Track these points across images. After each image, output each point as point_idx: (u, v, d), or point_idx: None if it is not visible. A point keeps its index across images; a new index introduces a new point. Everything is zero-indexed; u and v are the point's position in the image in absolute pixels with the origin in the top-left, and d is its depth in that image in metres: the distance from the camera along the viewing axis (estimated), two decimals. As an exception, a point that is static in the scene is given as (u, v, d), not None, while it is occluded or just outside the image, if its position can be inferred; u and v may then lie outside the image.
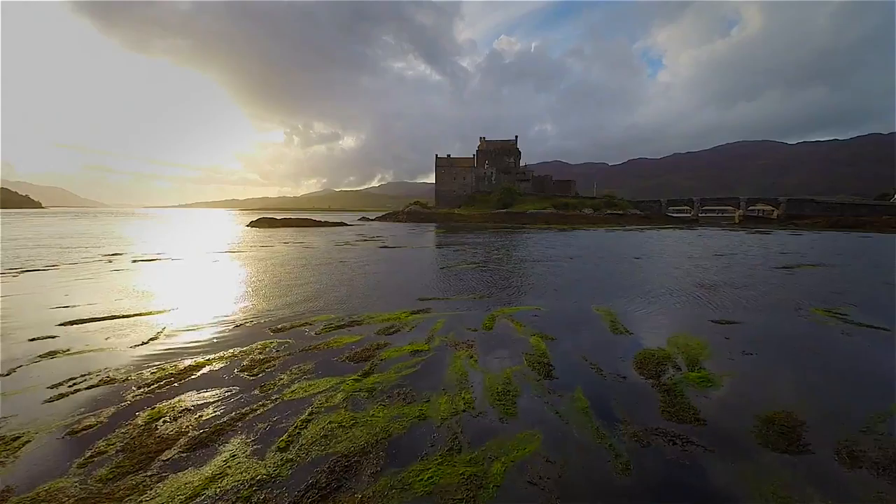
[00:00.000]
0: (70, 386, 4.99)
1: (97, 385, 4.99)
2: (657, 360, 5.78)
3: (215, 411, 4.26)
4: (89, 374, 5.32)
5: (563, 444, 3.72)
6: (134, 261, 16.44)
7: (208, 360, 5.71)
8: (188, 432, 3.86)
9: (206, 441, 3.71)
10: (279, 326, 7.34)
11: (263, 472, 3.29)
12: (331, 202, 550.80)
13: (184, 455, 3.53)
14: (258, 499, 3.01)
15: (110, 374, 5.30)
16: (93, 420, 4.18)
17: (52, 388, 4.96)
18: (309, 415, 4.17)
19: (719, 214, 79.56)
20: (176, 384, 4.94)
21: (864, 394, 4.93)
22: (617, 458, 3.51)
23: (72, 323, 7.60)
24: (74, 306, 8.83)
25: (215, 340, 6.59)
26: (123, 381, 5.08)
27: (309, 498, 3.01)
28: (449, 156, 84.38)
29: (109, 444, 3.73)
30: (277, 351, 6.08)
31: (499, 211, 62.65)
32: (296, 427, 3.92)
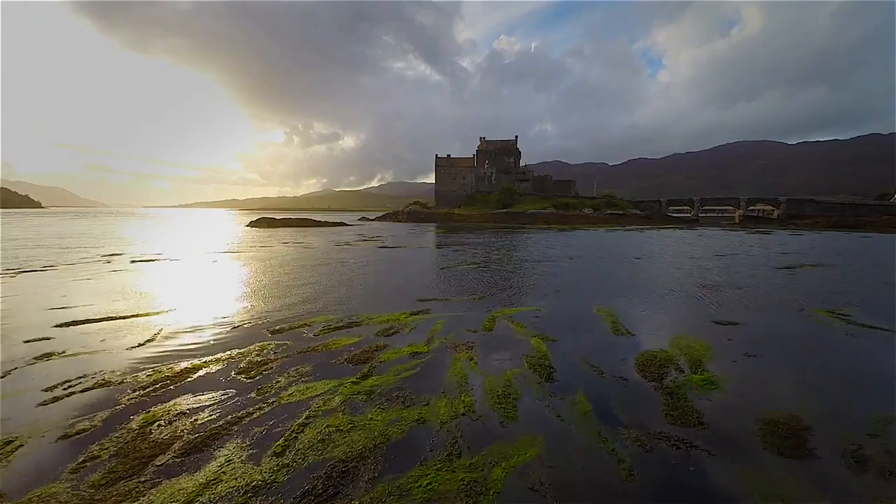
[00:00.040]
0: (65, 389, 4.93)
1: (92, 388, 4.92)
2: (659, 361, 5.72)
3: (211, 415, 4.19)
4: (84, 376, 5.25)
5: (564, 449, 3.65)
6: (132, 261, 16.37)
7: (205, 362, 5.64)
8: (183, 436, 3.79)
9: (201, 446, 3.64)
10: (277, 328, 7.28)
11: (259, 478, 3.22)
12: (331, 202, 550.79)
13: (178, 460, 3.46)
14: (253, 506, 2.95)
15: (106, 376, 5.24)
16: (87, 424, 4.11)
17: (46, 390, 4.90)
18: (306, 418, 4.10)
19: (719, 214, 79.50)
20: (171, 387, 4.87)
21: (868, 396, 4.87)
22: (620, 464, 3.45)
23: (68, 324, 7.53)
24: (71, 307, 8.76)
25: (212, 342, 6.53)
26: (119, 383, 5.01)
27: (305, 505, 2.95)
28: (449, 156, 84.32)
29: (103, 449, 3.67)
30: (275, 353, 6.02)
31: (499, 211, 62.58)
32: (292, 431, 3.86)
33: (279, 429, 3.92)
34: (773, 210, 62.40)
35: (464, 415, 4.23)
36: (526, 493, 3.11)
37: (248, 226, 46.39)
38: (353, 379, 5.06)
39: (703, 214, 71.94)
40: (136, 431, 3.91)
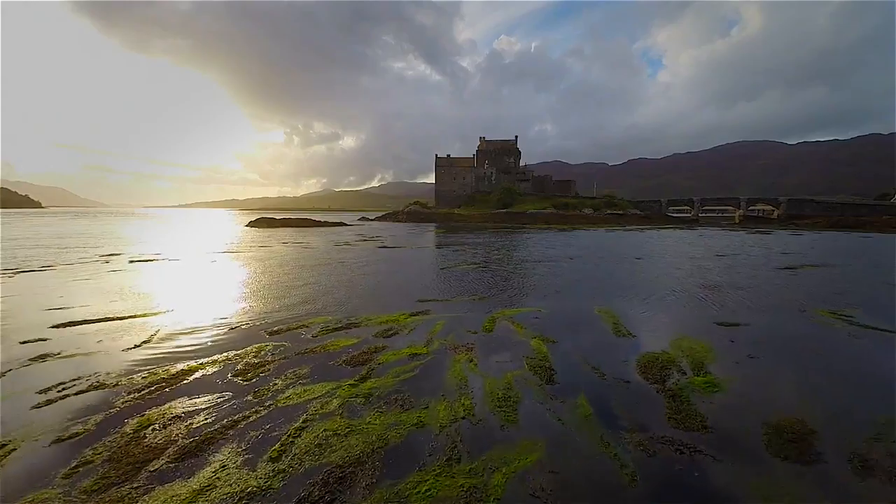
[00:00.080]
0: (59, 391, 4.86)
1: (87, 390, 4.86)
2: (661, 363, 5.65)
3: (206, 418, 4.12)
4: (79, 378, 5.19)
5: (566, 454, 3.59)
6: (131, 261, 16.30)
7: (201, 363, 5.58)
8: (177, 441, 3.72)
9: (196, 450, 3.57)
10: (275, 329, 7.21)
11: (254, 483, 3.16)
12: (331, 202, 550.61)
13: (172, 465, 3.39)
14: (248, 513, 2.88)
15: (101, 378, 5.17)
16: (80, 427, 4.05)
17: (41, 393, 4.84)
18: (303, 422, 4.03)
19: (719, 214, 79.44)
20: (167, 389, 4.81)
21: (872, 398, 4.81)
22: (623, 469, 3.38)
23: (65, 325, 7.46)
24: (68, 308, 8.70)
25: (210, 343, 6.46)
26: (114, 385, 4.95)
27: (301, 512, 2.88)
28: (449, 156, 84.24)
29: (96, 454, 3.61)
30: (273, 354, 5.95)
31: (499, 211, 62.51)
32: (289, 435, 3.79)
33: (275, 433, 3.85)
34: (774, 210, 62.35)
35: (463, 418, 4.17)
36: (527, 499, 3.04)
37: (247, 226, 46.32)
38: (352, 381, 5.00)
39: (703, 214, 71.89)
40: (130, 435, 3.84)
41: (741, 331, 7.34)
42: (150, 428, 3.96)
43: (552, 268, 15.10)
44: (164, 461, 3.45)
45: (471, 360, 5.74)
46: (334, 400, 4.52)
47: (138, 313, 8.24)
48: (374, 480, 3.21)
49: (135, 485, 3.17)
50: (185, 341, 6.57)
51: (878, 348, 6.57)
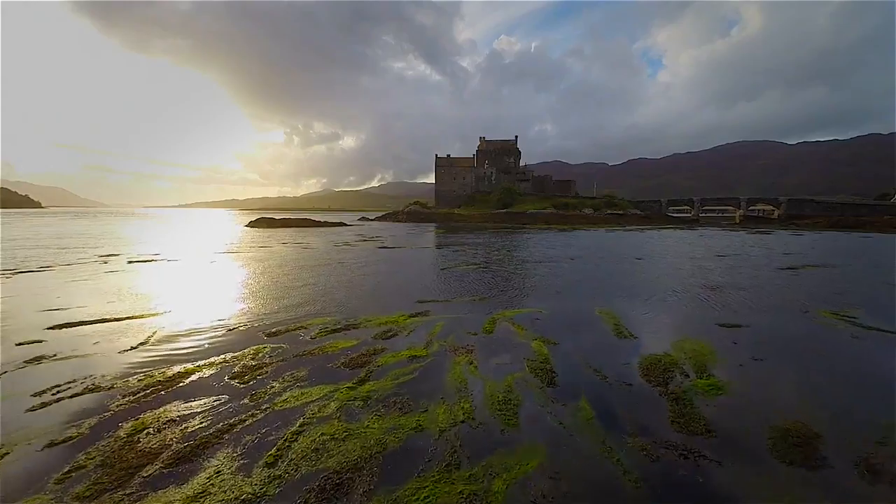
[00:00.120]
0: (54, 394, 4.80)
1: (82, 393, 4.79)
2: (664, 365, 5.58)
3: (202, 422, 4.05)
4: (74, 381, 5.12)
5: (568, 459, 3.52)
6: (129, 262, 16.24)
7: (198, 366, 5.51)
8: (172, 445, 3.66)
9: (190, 455, 3.50)
10: (274, 330, 7.14)
11: (249, 490, 3.09)
12: (331, 202, 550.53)
13: (165, 471, 3.33)
14: (242, 520, 2.82)
15: (96, 381, 5.10)
16: (74, 431, 3.98)
17: (35, 395, 4.77)
18: (300, 426, 3.96)
19: (719, 214, 79.38)
20: (162, 392, 4.74)
21: (876, 400, 4.74)
22: (626, 475, 3.31)
23: (61, 326, 7.40)
24: (65, 309, 8.63)
25: (207, 345, 6.39)
26: (108, 388, 4.88)
27: (297, 520, 2.82)
28: (449, 156, 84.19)
29: (89, 458, 3.54)
30: (270, 356, 5.88)
31: (499, 211, 62.45)
32: (285, 440, 3.72)
33: (272, 437, 3.78)
34: (774, 210, 62.29)
35: (463, 422, 4.10)
36: (528, 506, 2.98)
37: (247, 226, 46.24)
38: (350, 384, 4.93)
39: (704, 214, 71.84)
40: (124, 440, 3.78)
41: (743, 332, 7.27)
42: (145, 432, 3.89)
43: (552, 268, 15.03)
44: (157, 466, 3.39)
45: (471, 363, 5.67)
46: (332, 403, 4.45)
47: (135, 314, 8.17)
48: (372, 487, 3.14)
49: (127, 491, 3.11)
50: (183, 343, 6.50)
51: (880, 350, 6.50)
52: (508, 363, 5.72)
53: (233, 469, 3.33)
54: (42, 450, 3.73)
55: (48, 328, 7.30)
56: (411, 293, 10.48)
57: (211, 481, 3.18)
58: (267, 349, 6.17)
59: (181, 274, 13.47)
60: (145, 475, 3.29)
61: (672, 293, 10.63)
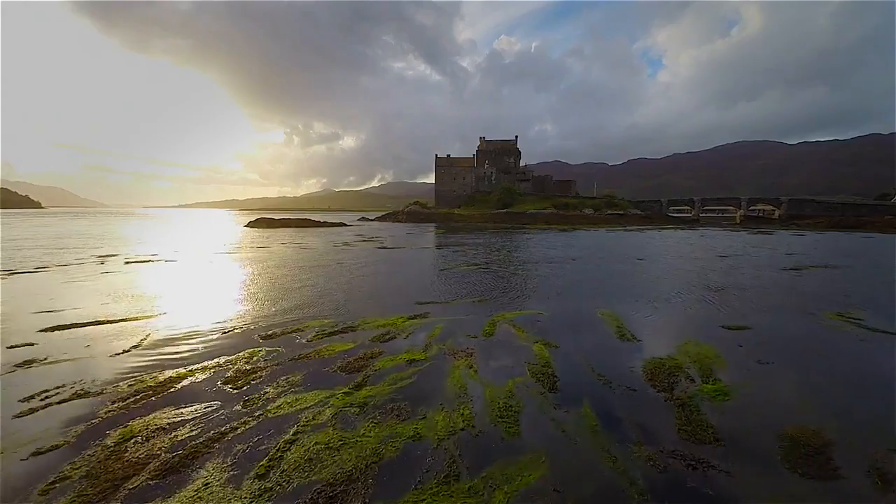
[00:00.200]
0: (42, 399, 4.66)
1: (70, 399, 4.65)
2: (668, 369, 5.44)
3: (192, 430, 3.91)
4: (64, 386, 4.98)
5: (571, 470, 3.37)
6: (127, 262, 16.10)
7: (191, 370, 5.36)
8: (160, 455, 3.52)
9: (178, 466, 3.36)
10: (269, 333, 7.00)
11: (238, 504, 2.95)
12: (331, 202, 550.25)
13: (152, 483, 3.19)
14: (230, 537, 2.68)
15: (86, 386, 4.96)
16: (61, 439, 3.85)
17: (23, 401, 4.64)
18: (293, 434, 3.82)
19: (720, 214, 79.23)
20: (153, 398, 4.60)
21: (885, 405, 4.61)
22: (632, 486, 3.17)
23: (54, 329, 7.26)
24: (59, 311, 8.49)
25: (201, 348, 6.25)
26: (98, 394, 4.74)
27: (287, 536, 2.68)
28: (449, 156, 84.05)
29: (74, 469, 3.41)
30: (265, 360, 5.74)
31: (499, 211, 62.31)
32: (278, 449, 3.58)
33: (264, 446, 3.64)
34: (774, 210, 62.16)
35: (463, 430, 3.96)
36: (530, 521, 2.84)
37: (246, 226, 46.09)
38: (346, 389, 4.79)
39: (704, 214, 71.70)
40: (111, 449, 3.64)
41: (749, 334, 7.13)
42: (133, 441, 3.75)
43: (553, 269, 14.89)
44: (144, 478, 3.25)
45: (470, 367, 5.53)
46: (327, 410, 4.31)
47: (129, 316, 8.03)
48: (367, 500, 3.00)
49: (111, 504, 2.97)
50: (176, 346, 6.36)
51: (888, 353, 6.36)
52: (509, 367, 5.58)
53: (222, 481, 3.19)
54: (28, 458, 3.60)
55: (40, 330, 7.17)
56: (410, 294, 10.34)
57: (199, 494, 3.04)
58: (262, 352, 6.03)
59: (178, 275, 13.33)
60: (131, 487, 3.15)
61: (675, 294, 10.49)
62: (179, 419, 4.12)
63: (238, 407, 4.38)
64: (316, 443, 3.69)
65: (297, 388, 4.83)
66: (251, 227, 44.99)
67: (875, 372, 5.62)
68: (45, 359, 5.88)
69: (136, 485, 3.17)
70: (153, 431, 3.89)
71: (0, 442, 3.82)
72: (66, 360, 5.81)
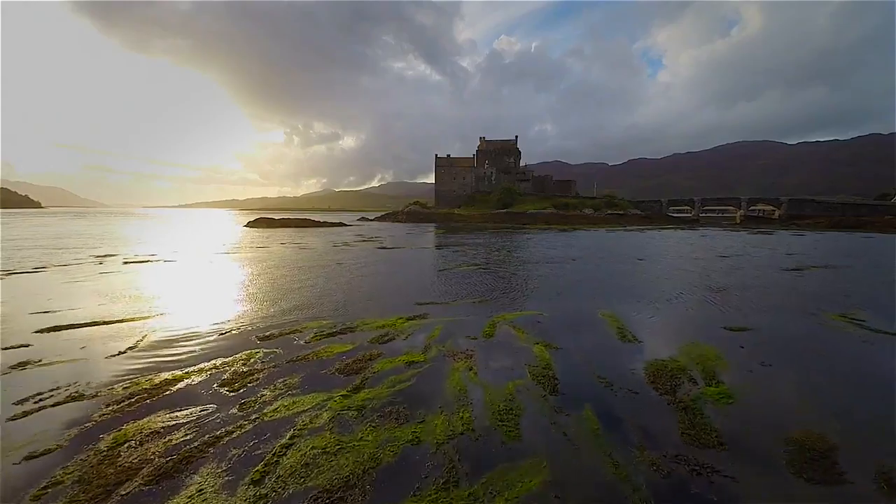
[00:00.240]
0: (36, 402, 4.60)
1: (64, 401, 4.59)
2: (670, 372, 5.38)
3: (186, 434, 3.84)
4: (58, 388, 4.92)
5: (573, 476, 3.31)
6: (125, 262, 16.03)
7: (187, 372, 5.30)
8: (153, 460, 3.45)
9: (172, 471, 3.30)
10: (267, 334, 6.93)
11: (232, 511, 2.89)
12: (331, 202, 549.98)
13: (145, 489, 3.12)
14: (224, 545, 2.61)
15: (80, 388, 4.90)
16: (53, 443, 3.79)
17: (17, 404, 4.58)
18: (290, 438, 3.75)
19: (720, 214, 79.16)
20: (148, 401, 4.53)
21: (891, 408, 4.54)
22: (635, 492, 3.10)
23: (49, 330, 7.19)
24: (55, 311, 8.42)
25: (197, 350, 6.18)
26: (92, 397, 4.68)
27: (282, 544, 2.61)
28: (449, 156, 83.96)
29: (66, 474, 3.34)
30: (263, 362, 5.67)
31: (499, 211, 62.24)
32: (274, 454, 3.51)
33: (259, 451, 3.57)
34: (774, 210, 62.09)
35: (462, 434, 3.89)
36: (531, 528, 2.77)
37: (246, 226, 46.01)
38: (344, 392, 4.72)
39: (704, 214, 71.64)
40: (104, 454, 3.57)
41: (751, 336, 7.07)
42: (126, 445, 3.69)
43: (553, 269, 14.82)
44: (137, 483, 3.18)
45: (470, 369, 5.47)
46: (325, 413, 4.24)
47: (126, 317, 7.96)
48: (364, 507, 2.94)
49: (103, 511, 2.91)
50: (173, 347, 6.29)
51: (891, 354, 6.30)
52: (509, 369, 5.51)
53: (216, 487, 3.12)
54: (20, 462, 3.55)
55: (36, 331, 7.10)
56: (410, 295, 10.27)
57: (192, 501, 2.97)
58: (259, 354, 5.96)
59: (176, 275, 13.26)
60: (123, 493, 3.09)
61: (676, 295, 10.43)
62: (174, 423, 4.05)
63: (234, 410, 4.31)
64: (313, 447, 3.62)
65: (294, 391, 4.76)
66: (251, 227, 44.91)
67: (876, 373, 5.56)
68: (41, 360, 5.81)
69: (128, 490, 3.11)
70: (147, 435, 3.83)
71: (-7, 445, 3.76)
72: (61, 362, 5.74)
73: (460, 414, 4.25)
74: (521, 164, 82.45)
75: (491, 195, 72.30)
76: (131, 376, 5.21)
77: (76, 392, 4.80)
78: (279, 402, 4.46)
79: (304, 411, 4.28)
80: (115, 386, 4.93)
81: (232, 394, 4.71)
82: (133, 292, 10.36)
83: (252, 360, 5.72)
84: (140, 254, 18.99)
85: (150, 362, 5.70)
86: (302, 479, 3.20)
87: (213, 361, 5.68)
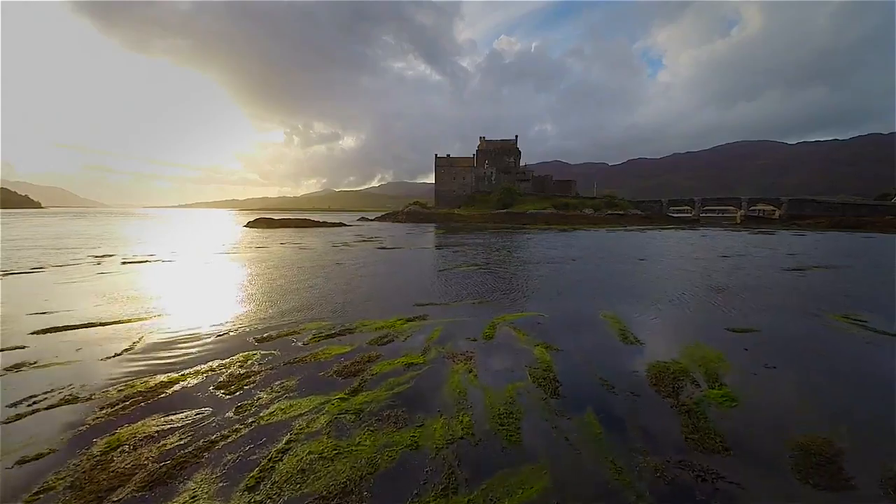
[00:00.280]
0: (30, 405, 4.53)
1: (58, 404, 4.52)
2: (673, 374, 5.31)
3: (181, 438, 3.78)
4: (52, 391, 4.85)
5: (574, 481, 3.24)
6: (124, 262, 15.97)
7: (183, 375, 5.23)
8: (146, 465, 3.38)
9: (165, 477, 3.23)
10: (265, 336, 6.86)
11: (226, 518, 2.82)
12: (331, 202, 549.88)
13: (137, 495, 3.06)
14: (217, 555, 2.55)
15: (75, 391, 4.83)
16: (46, 448, 3.72)
17: (10, 406, 4.51)
18: (286, 443, 3.69)
19: (720, 215, 79.09)
20: (143, 404, 4.46)
21: (889, 409, 4.48)
22: (638, 499, 3.04)
23: (45, 331, 7.13)
24: (52, 312, 8.36)
25: (194, 352, 6.11)
26: (87, 399, 4.61)
27: (277, 554, 2.55)
28: (449, 156, 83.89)
29: (59, 479, 3.28)
30: (260, 364, 5.60)
31: (499, 211, 62.17)
32: (270, 459, 3.44)
33: (255, 456, 3.51)
34: (775, 210, 62.03)
35: (462, 438, 3.82)
36: (532, 537, 2.71)
37: (246, 226, 45.94)
38: (342, 395, 4.65)
39: (704, 214, 71.57)
40: (97, 458, 3.50)
41: (754, 337, 7.00)
42: (119, 450, 3.62)
43: (554, 269, 14.75)
44: (129, 490, 3.12)
45: (470, 371, 5.40)
46: (322, 416, 4.17)
47: (123, 318, 7.89)
48: (361, 514, 2.87)
49: (94, 519, 2.84)
50: (169, 349, 6.22)
51: (893, 355, 6.22)
52: (510, 371, 5.45)
53: (210, 493, 3.06)
54: (12, 467, 3.48)
55: (32, 333, 7.04)
56: (409, 296, 10.21)
57: (185, 508, 2.91)
58: (256, 356, 5.90)
59: (175, 275, 13.20)
60: (115, 499, 3.02)
61: (678, 295, 10.36)
62: (169, 427, 3.98)
63: (230, 413, 4.25)
64: (309, 452, 3.55)
65: (291, 394, 4.69)
66: (250, 227, 44.84)
67: (879, 374, 5.50)
68: (36, 362, 5.75)
69: (121, 497, 3.04)
70: (141, 440, 3.76)
71: (-15, 449, 3.69)
72: (56, 364, 5.68)
73: (460, 418, 4.18)
74: (521, 164, 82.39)
75: (491, 195, 72.24)
76: (126, 379, 5.14)
77: (70, 395, 4.73)
78: (276, 406, 4.40)
79: (301, 415, 4.21)
80: (110, 388, 4.86)
81: (228, 397, 4.64)
82: (131, 293, 10.29)
83: (249, 363, 5.65)
84: (138, 254, 18.93)
85: (146, 364, 5.63)
86: (298, 486, 3.13)
87: (209, 363, 5.61)
